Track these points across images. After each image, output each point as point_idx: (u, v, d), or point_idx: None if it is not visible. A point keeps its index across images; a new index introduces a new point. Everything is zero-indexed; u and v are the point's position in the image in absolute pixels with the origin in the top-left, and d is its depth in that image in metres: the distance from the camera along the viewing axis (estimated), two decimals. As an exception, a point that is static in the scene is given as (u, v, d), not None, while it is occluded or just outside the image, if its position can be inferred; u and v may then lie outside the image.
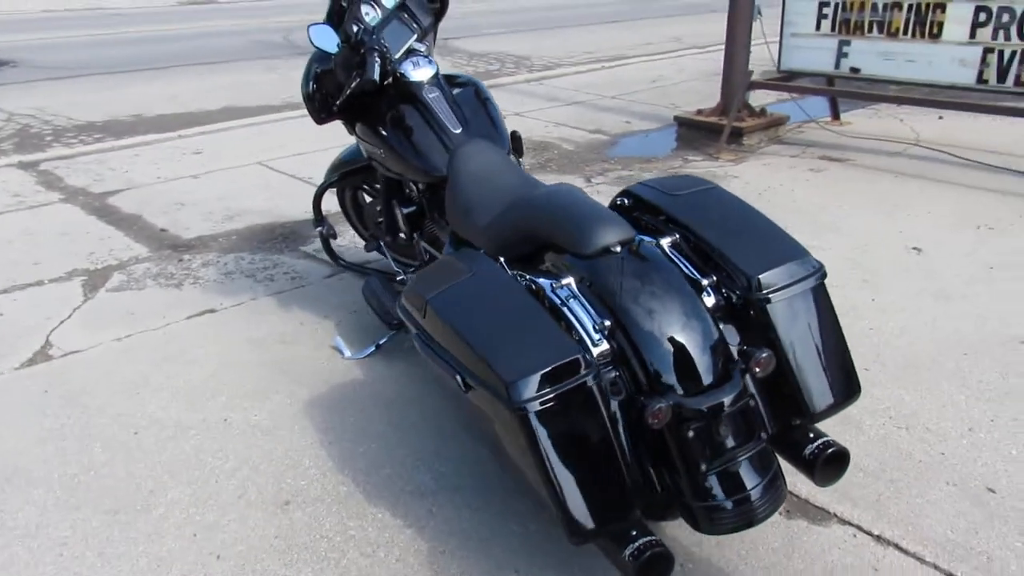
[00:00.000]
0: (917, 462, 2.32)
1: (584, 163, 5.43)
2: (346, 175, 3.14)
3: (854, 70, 5.40)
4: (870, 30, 5.24)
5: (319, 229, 3.33)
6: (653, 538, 1.63)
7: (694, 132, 6.13)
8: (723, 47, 6.03)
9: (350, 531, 2.09)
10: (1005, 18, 4.61)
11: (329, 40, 2.54)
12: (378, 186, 3.35)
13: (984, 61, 4.79)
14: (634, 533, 1.63)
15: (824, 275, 1.84)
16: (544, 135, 6.09)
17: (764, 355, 1.69)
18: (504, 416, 1.60)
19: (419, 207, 2.70)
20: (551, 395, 1.55)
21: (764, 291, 1.76)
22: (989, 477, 2.25)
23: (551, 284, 1.83)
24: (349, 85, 2.59)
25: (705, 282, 1.80)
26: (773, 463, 1.73)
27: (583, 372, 1.59)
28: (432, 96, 2.57)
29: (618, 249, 1.81)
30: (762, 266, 1.78)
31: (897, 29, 5.12)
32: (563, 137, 6.06)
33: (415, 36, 2.70)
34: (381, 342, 2.95)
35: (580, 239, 1.83)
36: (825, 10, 5.44)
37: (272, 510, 2.18)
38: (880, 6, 5.16)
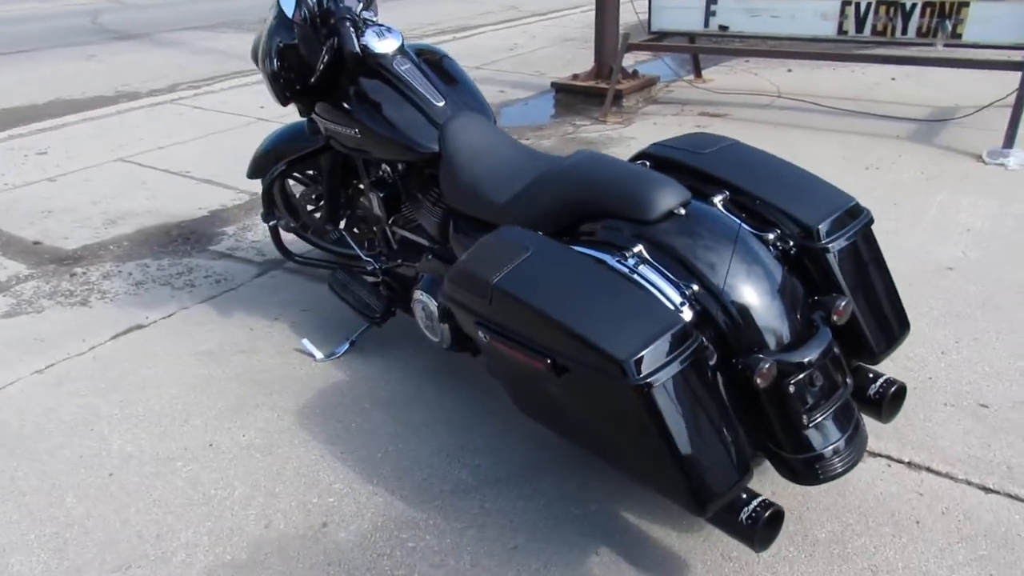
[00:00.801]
0: (913, 389, 2.46)
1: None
2: (294, 162, 2.86)
3: (722, 28, 5.62)
4: (732, -13, 5.45)
5: (272, 223, 3.03)
6: (762, 497, 1.63)
7: (572, 97, 6.17)
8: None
9: (407, 543, 1.94)
10: (860, -28, 4.95)
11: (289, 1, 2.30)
12: (312, 172, 3.11)
13: (843, 13, 5.13)
14: (744, 496, 1.61)
15: (871, 219, 1.88)
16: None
17: (843, 303, 1.72)
18: (618, 394, 1.52)
19: (393, 190, 2.51)
20: (670, 366, 1.49)
21: (824, 240, 1.78)
22: (976, 394, 2.43)
23: (615, 255, 1.74)
24: (322, 59, 2.35)
25: (771, 236, 1.79)
26: (855, 408, 1.77)
27: (692, 339, 1.54)
28: (404, 68, 2.39)
29: (682, 211, 1.76)
30: (818, 215, 1.80)
31: (761, -14, 5.36)
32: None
33: (361, 4, 2.49)
34: (354, 338, 2.75)
35: (642, 204, 1.77)
36: (699, -30, 5.60)
37: (311, 535, 1.97)
38: (740, -36, 5.39)
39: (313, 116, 2.54)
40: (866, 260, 1.85)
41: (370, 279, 2.73)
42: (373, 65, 2.39)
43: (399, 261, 2.60)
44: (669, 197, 1.77)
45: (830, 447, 1.67)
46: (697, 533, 1.92)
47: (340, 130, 2.43)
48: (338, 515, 2.04)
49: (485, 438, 2.29)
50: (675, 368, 1.50)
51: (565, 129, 5.46)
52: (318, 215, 3.11)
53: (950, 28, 4.82)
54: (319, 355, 2.71)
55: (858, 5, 5.07)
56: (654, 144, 2.13)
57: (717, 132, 2.24)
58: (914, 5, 4.90)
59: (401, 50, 2.42)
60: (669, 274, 1.71)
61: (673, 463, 1.52)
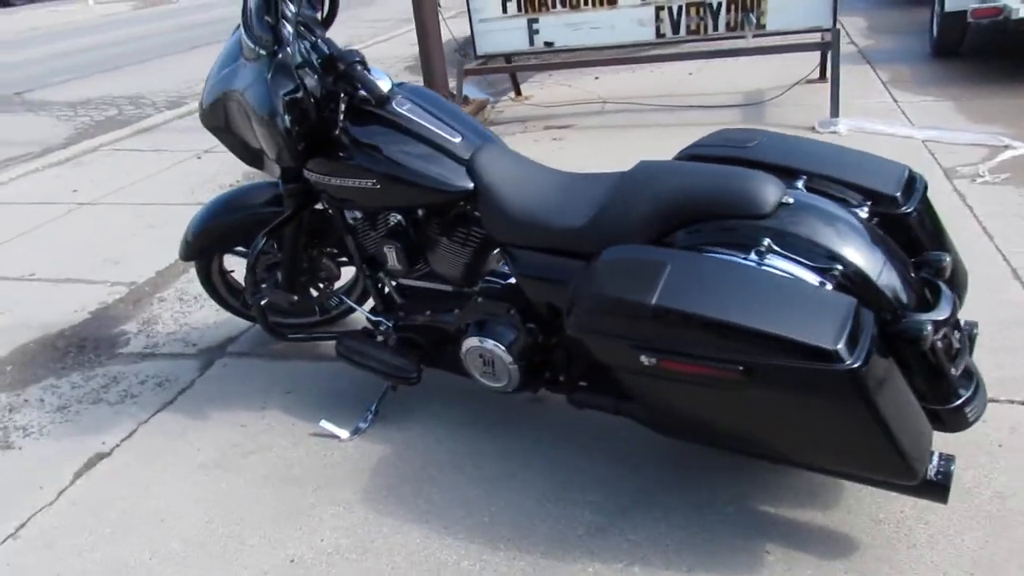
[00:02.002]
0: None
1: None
2: (274, 231, 2.55)
3: (548, 44, 5.85)
4: (554, 6, 5.70)
5: (262, 302, 2.68)
6: (940, 452, 1.74)
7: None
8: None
9: None
10: (668, -22, 5.39)
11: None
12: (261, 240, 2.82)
13: (658, 18, 5.56)
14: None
15: (926, 182, 2.05)
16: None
17: (947, 259, 1.87)
18: (827, 384, 1.55)
19: (407, 239, 2.34)
20: (866, 346, 1.55)
21: (905, 206, 1.92)
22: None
23: (742, 253, 1.77)
24: (341, 109, 2.14)
25: (864, 212, 1.91)
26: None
27: (869, 317, 1.61)
28: (407, 108, 2.24)
29: (790, 200, 1.83)
30: (892, 184, 1.95)
31: (579, 1, 5.65)
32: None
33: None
34: (375, 407, 2.54)
35: (756, 200, 1.81)
36: (508, -7, 5.77)
37: (480, 620, 1.79)
38: (563, -19, 5.65)
39: (308, 174, 2.30)
40: (935, 219, 2.02)
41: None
42: (372, 111, 2.22)
43: (417, 314, 2.43)
44: (776, 189, 1.83)
45: (971, 391, 1.80)
46: (838, 506, 2.00)
47: (349, 184, 2.23)
48: (492, 592, 1.86)
49: (579, 473, 2.22)
50: (870, 346, 1.56)
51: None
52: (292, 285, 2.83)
53: (755, 20, 5.39)
54: (344, 434, 2.46)
55: (670, 9, 5.52)
56: (694, 146, 2.17)
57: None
58: (720, 3, 5.42)
59: (394, 88, 2.27)
60: (802, 260, 1.76)
61: (886, 439, 1.57)
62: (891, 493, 1.92)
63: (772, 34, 5.42)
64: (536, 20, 5.79)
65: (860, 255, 1.76)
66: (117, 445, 2.57)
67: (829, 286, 1.71)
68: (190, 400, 2.78)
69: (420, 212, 2.29)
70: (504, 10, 5.79)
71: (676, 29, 5.58)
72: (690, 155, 2.15)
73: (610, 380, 2.09)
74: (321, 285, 2.91)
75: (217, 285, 2.98)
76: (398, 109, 2.23)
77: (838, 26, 5.24)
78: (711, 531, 1.96)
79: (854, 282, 1.73)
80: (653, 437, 2.05)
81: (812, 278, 1.73)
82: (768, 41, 5.47)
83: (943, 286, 1.81)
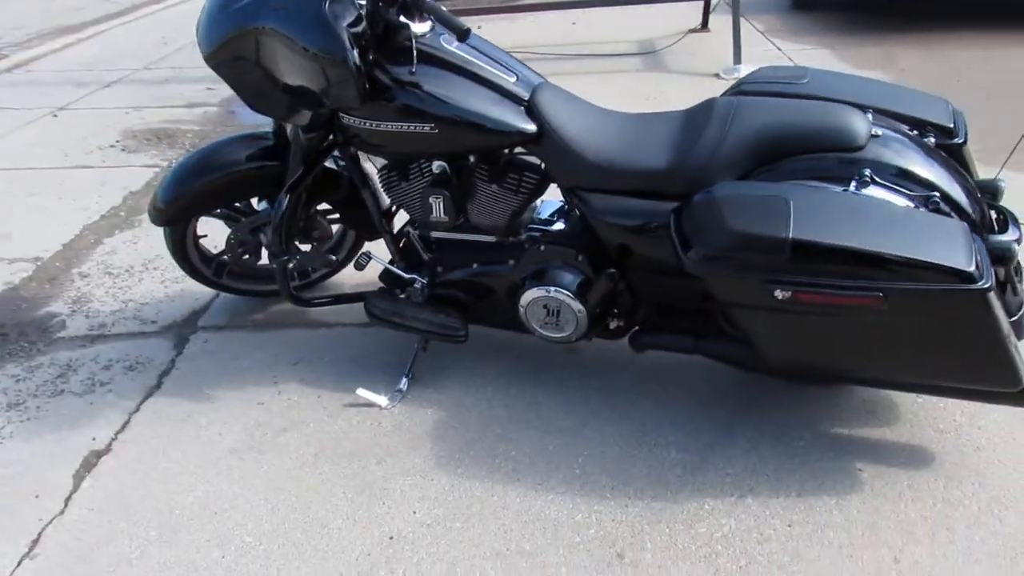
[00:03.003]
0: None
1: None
2: (296, 184, 2.28)
3: (443, -10, 5.63)
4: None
5: (291, 265, 2.40)
6: None
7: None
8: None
9: (742, 531, 1.84)
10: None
11: None
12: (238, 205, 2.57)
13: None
14: None
15: (963, 114, 2.17)
16: (145, 124, 4.99)
17: (1003, 185, 2.01)
18: (957, 303, 1.63)
19: (451, 188, 2.18)
20: (989, 268, 1.65)
21: (958, 137, 2.04)
22: None
23: (843, 184, 1.82)
24: (411, 38, 1.94)
25: (931, 141, 2.00)
26: None
27: (979, 240, 1.71)
28: (455, 46, 2.09)
29: (879, 132, 1.89)
30: (945, 115, 2.05)
31: (474, -54, 5.49)
32: (171, 120, 5.05)
33: None
34: (408, 369, 2.39)
35: (852, 133, 1.86)
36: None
37: (620, 566, 1.76)
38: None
39: (348, 120, 2.09)
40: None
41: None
42: (423, 49, 2.05)
43: (458, 269, 2.30)
44: (866, 122, 1.88)
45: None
46: (900, 422, 2.13)
47: (402, 129, 2.05)
48: (626, 539, 1.83)
49: (649, 416, 2.21)
50: (988, 266, 1.66)
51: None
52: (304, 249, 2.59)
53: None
54: (383, 401, 2.30)
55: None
56: (744, 83, 2.18)
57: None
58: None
59: (433, 28, 2.10)
60: (899, 188, 1.83)
61: (1003, 351, 1.69)
62: (942, 403, 2.10)
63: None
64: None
65: (946, 182, 1.86)
66: (113, 439, 2.25)
67: (929, 211, 1.79)
68: (181, 382, 2.48)
69: (471, 158, 2.15)
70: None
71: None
72: (741, 91, 2.15)
73: (686, 319, 2.10)
74: (314, 244, 2.68)
75: (190, 253, 2.66)
76: (450, 47, 2.07)
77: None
78: (800, 457, 2.03)
79: (948, 207, 1.82)
80: (707, 376, 2.13)
81: (913, 205, 1.80)
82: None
83: (1007, 209, 1.95)
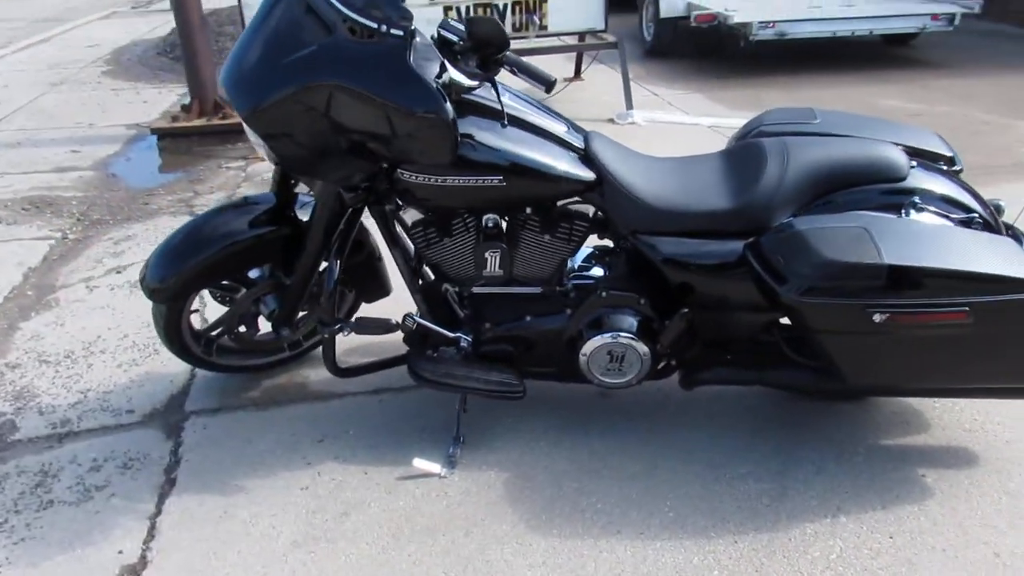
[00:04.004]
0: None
1: (129, 209, 4.29)
2: (341, 247, 2.13)
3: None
4: (336, 3, 5.41)
5: (344, 333, 2.19)
6: None
7: (181, 143, 5.38)
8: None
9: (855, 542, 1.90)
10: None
11: None
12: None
13: (446, 18, 5.58)
14: None
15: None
16: (14, 192, 4.47)
17: (1003, 203, 2.25)
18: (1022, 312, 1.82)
19: (506, 241, 2.13)
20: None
21: (957, 164, 2.27)
22: None
23: (897, 212, 1.99)
24: (498, 92, 1.88)
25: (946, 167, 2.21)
26: None
27: (1028, 250, 1.93)
28: (508, 98, 2.06)
29: (914, 164, 2.08)
30: (945, 147, 2.26)
31: None
32: (44, 187, 4.56)
33: None
34: (456, 432, 2.29)
35: (896, 166, 2.02)
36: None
37: (765, 605, 1.77)
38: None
39: (407, 176, 1.99)
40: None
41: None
42: (479, 101, 2.01)
43: (509, 323, 2.24)
44: (904, 155, 2.06)
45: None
46: (933, 427, 2.30)
47: (469, 182, 1.98)
48: (752, 575, 1.84)
49: (713, 452, 2.25)
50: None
51: (226, 174, 4.80)
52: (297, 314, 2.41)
53: (538, 21, 5.69)
54: (441, 469, 2.19)
55: (458, 9, 5.58)
56: (762, 124, 2.28)
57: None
58: (506, 5, 5.62)
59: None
60: (943, 212, 2.02)
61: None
62: (957, 406, 2.32)
63: (553, 35, 5.75)
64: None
65: (976, 203, 2.07)
66: (146, 548, 1.97)
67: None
68: (197, 475, 2.22)
69: (528, 210, 2.12)
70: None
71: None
72: (758, 132, 2.27)
73: (743, 353, 2.17)
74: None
75: (183, 330, 2.40)
76: (504, 99, 2.04)
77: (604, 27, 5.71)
78: (866, 472, 2.14)
79: (986, 225, 2.02)
80: (744, 404, 2.32)
81: (962, 226, 1.98)
82: (551, 42, 5.79)
83: (1013, 225, 2.19)
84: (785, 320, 2.13)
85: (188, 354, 2.46)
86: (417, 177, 1.97)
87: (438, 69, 1.82)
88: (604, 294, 2.14)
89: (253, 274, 2.43)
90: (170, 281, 2.23)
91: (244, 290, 2.41)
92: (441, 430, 2.33)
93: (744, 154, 2.12)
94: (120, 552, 1.96)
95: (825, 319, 1.87)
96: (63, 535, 2.01)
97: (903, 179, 2.02)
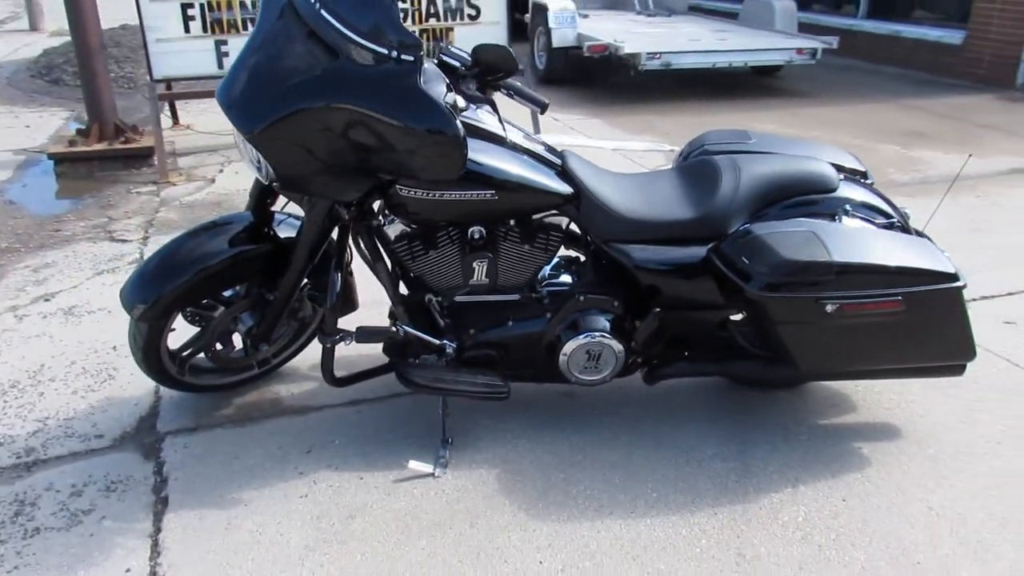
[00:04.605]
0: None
1: (40, 236, 4.15)
2: (339, 262, 2.21)
3: (239, 68, 5.51)
4: (245, 27, 5.43)
5: (347, 343, 2.23)
6: None
7: (81, 168, 5.21)
8: None
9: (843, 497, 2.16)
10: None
11: None
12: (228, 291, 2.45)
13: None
14: None
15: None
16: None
17: (909, 211, 2.62)
18: (946, 299, 2.15)
19: (494, 251, 2.29)
20: (955, 268, 2.21)
21: (870, 179, 2.62)
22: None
23: (832, 217, 2.30)
24: (496, 109, 2.02)
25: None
26: None
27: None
28: (485, 114, 2.24)
29: (842, 176, 2.41)
30: (859, 163, 2.61)
31: (271, 24, 5.47)
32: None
33: None
34: (444, 435, 2.42)
35: (829, 178, 2.34)
36: (191, 11, 5.31)
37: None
38: (250, 4, 5.39)
39: (406, 192, 2.11)
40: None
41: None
42: (469, 122, 2.17)
43: (491, 329, 2.39)
44: (833, 170, 2.38)
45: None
46: (859, 406, 2.63)
47: (464, 196, 2.13)
48: (736, 541, 2.07)
49: (677, 438, 2.47)
50: (953, 267, 2.21)
51: (138, 199, 4.70)
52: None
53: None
54: (437, 470, 2.31)
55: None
56: (704, 143, 2.56)
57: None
58: (413, 32, 5.77)
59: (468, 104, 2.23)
60: (868, 217, 2.35)
61: (969, 331, 2.23)
62: (876, 387, 2.65)
63: (460, 61, 5.94)
64: (225, 42, 5.41)
65: (892, 210, 2.41)
66: (155, 564, 1.98)
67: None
68: (190, 492, 2.23)
69: (511, 222, 2.29)
70: (187, 30, 5.28)
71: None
72: (704, 151, 2.55)
73: (702, 349, 2.43)
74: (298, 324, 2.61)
75: (162, 351, 2.41)
76: (491, 120, 2.21)
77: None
78: (813, 448, 2.42)
79: (902, 228, 2.37)
80: (697, 396, 2.58)
81: (886, 229, 2.32)
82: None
83: (921, 230, 2.56)
84: (737, 316, 2.40)
85: (163, 374, 2.46)
86: (415, 192, 2.10)
87: (444, 90, 1.97)
88: (582, 298, 2.34)
89: (226, 293, 2.47)
90: (155, 302, 2.24)
91: (221, 308, 2.44)
92: (424, 435, 2.45)
93: (700, 170, 2.38)
94: (128, 570, 1.95)
95: (784, 311, 2.14)
96: (61, 559, 1.99)
97: (834, 190, 2.33)
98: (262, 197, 2.39)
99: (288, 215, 2.50)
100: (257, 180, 2.40)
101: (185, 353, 2.50)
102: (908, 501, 2.20)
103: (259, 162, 2.07)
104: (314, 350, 2.51)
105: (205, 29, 5.31)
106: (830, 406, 2.63)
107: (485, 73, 2.09)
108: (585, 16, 8.16)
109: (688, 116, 6.57)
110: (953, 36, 8.19)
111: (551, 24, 7.43)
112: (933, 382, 2.63)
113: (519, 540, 2.05)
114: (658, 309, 2.32)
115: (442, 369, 2.35)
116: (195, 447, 2.41)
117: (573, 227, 2.37)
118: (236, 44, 5.36)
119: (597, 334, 2.30)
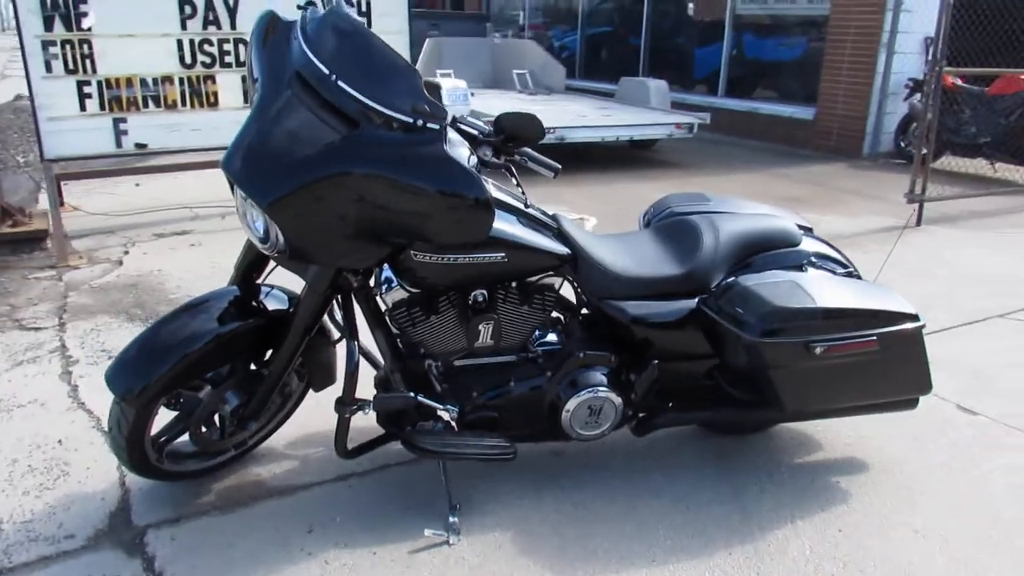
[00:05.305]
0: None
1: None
2: (351, 330, 2.15)
3: (140, 146, 5.33)
4: (146, 105, 5.28)
5: (365, 412, 2.13)
6: None
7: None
8: None
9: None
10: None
11: None
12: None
13: (262, 121, 5.65)
14: None
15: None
16: None
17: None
18: (912, 337, 2.39)
19: (495, 311, 2.33)
20: (913, 310, 2.47)
21: (812, 231, 2.89)
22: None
23: (803, 268, 2.52)
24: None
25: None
26: None
27: (892, 292, 2.55)
28: (492, 183, 2.31)
29: (803, 231, 2.65)
30: (799, 218, 2.88)
31: (175, 102, 5.37)
32: None
33: None
34: (451, 501, 2.40)
35: (794, 234, 2.57)
36: (87, 89, 5.11)
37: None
38: (151, 81, 5.27)
39: (421, 256, 2.12)
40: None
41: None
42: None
43: (493, 391, 2.41)
44: (796, 226, 2.61)
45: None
46: (825, 445, 2.82)
47: (476, 259, 2.17)
48: (754, 580, 2.15)
49: (674, 486, 2.56)
50: (913, 310, 2.46)
51: (40, 285, 4.40)
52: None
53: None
54: (452, 537, 2.28)
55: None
56: (669, 204, 2.74)
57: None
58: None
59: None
60: (828, 268, 2.59)
61: (927, 366, 2.48)
62: (833, 426, 2.85)
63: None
64: (124, 120, 5.22)
65: (845, 259, 2.67)
66: (176, 667, 1.83)
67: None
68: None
69: (513, 284, 2.34)
70: (83, 108, 5.07)
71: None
72: (671, 213, 2.72)
73: (690, 399, 2.56)
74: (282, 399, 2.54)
75: (147, 436, 2.27)
76: (491, 185, 2.28)
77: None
78: (797, 485, 2.56)
79: (858, 276, 2.62)
80: (678, 446, 2.67)
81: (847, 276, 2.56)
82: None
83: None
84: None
85: (143, 463, 2.31)
86: (430, 257, 2.12)
87: (468, 154, 2.02)
88: (582, 355, 2.41)
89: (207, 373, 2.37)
90: (145, 387, 2.13)
91: (207, 388, 2.33)
92: (422, 504, 2.41)
93: (679, 229, 2.53)
94: (146, 676, 1.79)
95: (778, 355, 2.30)
96: (63, 673, 1.79)
97: (798, 244, 2.55)
98: (249, 270, 2.34)
99: (273, 287, 2.44)
100: (243, 254, 2.35)
101: (164, 438, 2.36)
102: (893, 526, 2.37)
103: (266, 232, 2.04)
104: (287, 427, 2.44)
105: (103, 107, 5.11)
106: (797, 445, 2.80)
107: (508, 140, 2.15)
108: (472, 95, 8.43)
109: (589, 187, 6.89)
110: (805, 112, 9.09)
111: (445, 101, 7.64)
112: (877, 418, 2.85)
113: (558, 601, 2.04)
114: (656, 360, 2.41)
115: (449, 434, 2.33)
116: (184, 538, 2.25)
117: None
118: (137, 122, 5.21)
119: (599, 389, 2.37)
